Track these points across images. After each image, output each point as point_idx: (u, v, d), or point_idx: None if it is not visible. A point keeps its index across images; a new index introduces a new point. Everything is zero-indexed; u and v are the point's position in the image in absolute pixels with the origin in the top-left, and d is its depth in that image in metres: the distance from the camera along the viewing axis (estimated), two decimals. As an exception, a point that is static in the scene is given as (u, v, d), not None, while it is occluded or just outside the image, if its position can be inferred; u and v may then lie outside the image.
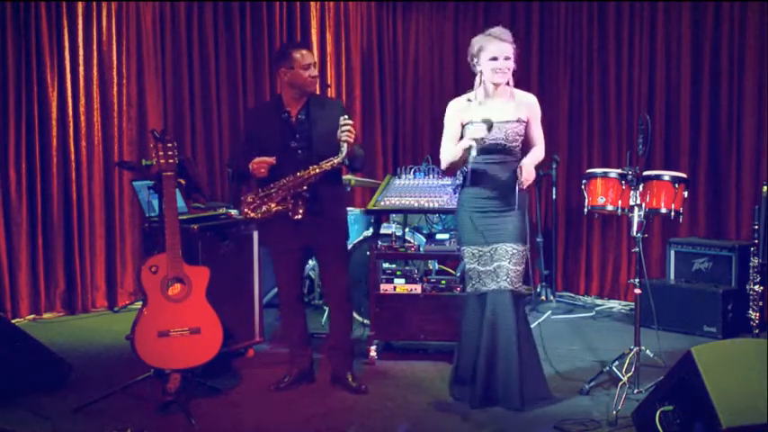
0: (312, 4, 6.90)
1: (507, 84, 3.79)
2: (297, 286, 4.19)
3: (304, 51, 3.99)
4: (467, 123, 3.78)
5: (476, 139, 3.65)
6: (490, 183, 3.79)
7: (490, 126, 3.67)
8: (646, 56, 6.12)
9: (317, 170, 3.84)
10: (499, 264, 3.77)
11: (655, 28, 6.07)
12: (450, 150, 3.82)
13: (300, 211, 3.85)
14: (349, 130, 3.79)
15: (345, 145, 3.79)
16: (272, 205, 3.89)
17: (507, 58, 3.71)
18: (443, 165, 3.91)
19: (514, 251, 3.77)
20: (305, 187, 3.86)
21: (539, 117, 3.88)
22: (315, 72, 3.98)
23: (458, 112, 3.83)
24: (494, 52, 3.70)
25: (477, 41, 3.77)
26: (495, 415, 3.74)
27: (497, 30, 3.75)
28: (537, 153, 3.85)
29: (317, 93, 4.03)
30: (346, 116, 3.83)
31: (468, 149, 3.66)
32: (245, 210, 3.94)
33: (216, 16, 6.37)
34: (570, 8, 6.51)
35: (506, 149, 3.78)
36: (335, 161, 3.83)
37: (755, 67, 5.63)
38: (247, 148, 4.08)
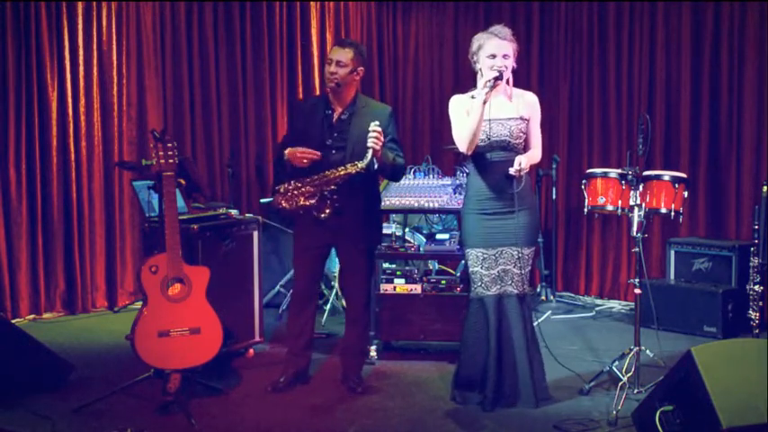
0: (312, 4, 6.89)
1: (507, 82, 3.79)
2: (313, 284, 4.15)
3: (334, 47, 4.06)
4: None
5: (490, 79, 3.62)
6: (494, 181, 3.77)
7: (499, 75, 3.66)
8: (646, 56, 6.12)
9: (342, 172, 3.83)
10: (504, 268, 3.77)
11: (655, 28, 6.07)
12: (463, 119, 3.73)
13: (327, 210, 3.85)
14: (376, 137, 3.75)
15: (370, 151, 3.76)
16: (301, 200, 3.89)
17: (505, 56, 3.70)
18: (465, 131, 3.70)
19: (520, 255, 3.77)
20: (332, 187, 3.85)
21: (538, 118, 3.86)
22: (334, 69, 3.96)
23: (461, 105, 3.80)
24: (492, 50, 3.70)
25: (477, 39, 3.77)
26: (495, 415, 3.74)
27: (497, 27, 3.75)
28: (532, 154, 3.82)
29: (336, 92, 4.01)
30: (377, 122, 3.78)
31: (488, 81, 3.61)
32: (279, 199, 3.92)
33: (216, 16, 6.37)
34: (570, 8, 6.51)
35: (510, 146, 3.76)
36: (360, 165, 3.79)
37: (755, 67, 5.63)
38: (288, 139, 4.11)
